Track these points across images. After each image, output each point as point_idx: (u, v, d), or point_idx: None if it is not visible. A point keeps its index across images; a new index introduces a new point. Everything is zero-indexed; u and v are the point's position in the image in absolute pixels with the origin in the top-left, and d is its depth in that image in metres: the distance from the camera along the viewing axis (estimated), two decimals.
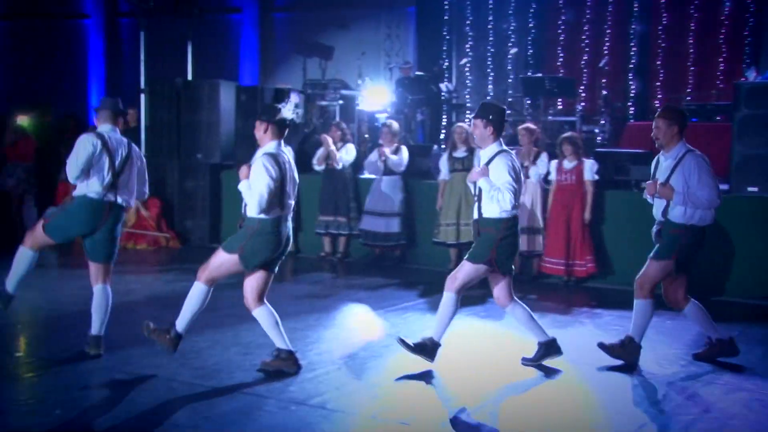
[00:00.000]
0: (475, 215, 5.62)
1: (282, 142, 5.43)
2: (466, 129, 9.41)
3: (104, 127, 5.81)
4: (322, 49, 15.25)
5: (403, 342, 5.64)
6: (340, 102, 12.99)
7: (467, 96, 14.71)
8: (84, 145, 5.61)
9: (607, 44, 13.90)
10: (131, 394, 4.80)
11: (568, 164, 8.76)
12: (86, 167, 5.60)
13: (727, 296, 8.24)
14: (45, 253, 10.20)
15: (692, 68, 13.37)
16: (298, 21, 17.05)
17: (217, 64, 16.20)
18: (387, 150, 9.70)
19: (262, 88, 11.46)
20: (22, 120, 12.08)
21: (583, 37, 14.12)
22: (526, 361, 5.71)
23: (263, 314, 5.41)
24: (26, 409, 4.56)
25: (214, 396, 4.84)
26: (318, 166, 10.11)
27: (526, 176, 8.89)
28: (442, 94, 12.58)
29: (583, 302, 8.12)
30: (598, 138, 11.44)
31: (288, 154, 5.50)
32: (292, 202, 5.42)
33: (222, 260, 5.33)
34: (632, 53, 13.72)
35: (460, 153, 9.27)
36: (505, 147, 5.68)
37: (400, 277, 9.05)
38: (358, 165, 10.34)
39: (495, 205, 5.44)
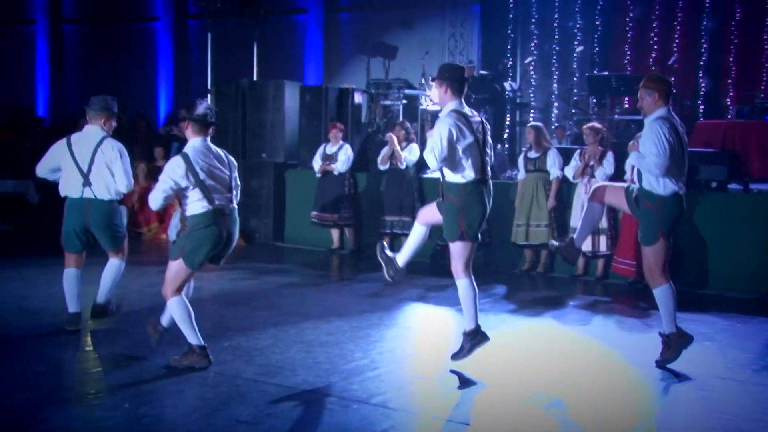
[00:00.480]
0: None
1: (204, 139, 5.41)
2: (534, 128, 9.34)
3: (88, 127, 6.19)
4: (386, 49, 15.30)
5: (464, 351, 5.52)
6: (404, 102, 12.98)
7: (531, 95, 14.55)
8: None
9: (677, 41, 13.58)
10: (196, 390, 4.87)
11: None
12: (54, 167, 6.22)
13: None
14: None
15: (766, 65, 12.97)
16: (362, 21, 17.13)
17: (282, 64, 16.39)
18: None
19: (327, 88, 11.52)
20: None
21: (652, 34, 13.82)
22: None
23: (178, 306, 5.34)
24: (96, 402, 4.67)
25: (276, 393, 4.88)
26: (382, 166, 10.13)
27: (592, 176, 8.75)
28: (506, 93, 12.46)
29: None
30: None
31: (213, 150, 5.45)
32: (228, 195, 5.37)
33: (173, 270, 5.36)
34: (703, 50, 13.38)
35: (533, 153, 9.18)
36: (461, 108, 5.39)
37: None
38: (421, 164, 10.32)
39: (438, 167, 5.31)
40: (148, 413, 4.47)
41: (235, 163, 5.65)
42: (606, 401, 5.03)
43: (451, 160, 5.27)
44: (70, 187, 6.20)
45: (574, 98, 12.64)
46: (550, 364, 5.76)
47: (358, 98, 12.46)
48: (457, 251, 5.41)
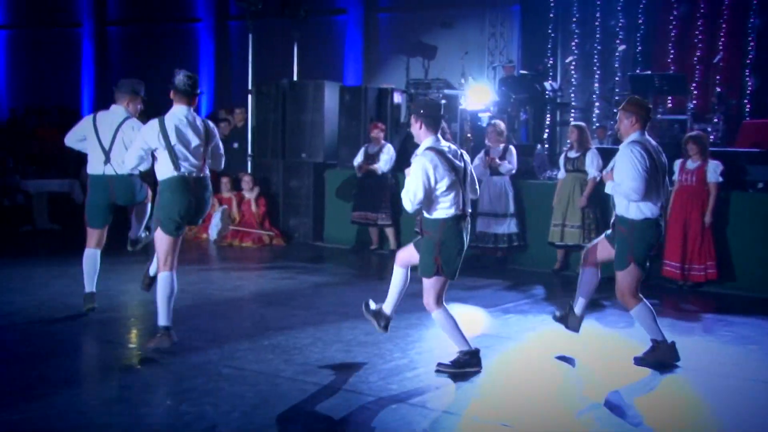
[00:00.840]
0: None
1: (186, 108, 5.64)
2: (577, 127, 9.27)
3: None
4: (426, 49, 15.28)
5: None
6: (443, 102, 12.96)
7: (572, 95, 14.41)
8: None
9: (722, 39, 13.32)
10: (236, 389, 4.92)
11: (692, 164, 8.46)
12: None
13: None
14: (153, 249, 10.63)
15: None
16: (402, 21, 17.12)
17: (322, 64, 16.45)
18: (496, 159, 9.55)
19: (366, 88, 11.55)
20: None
21: (697, 32, 13.60)
22: (440, 367, 5.40)
23: (163, 282, 5.64)
24: (138, 399, 4.74)
25: (315, 392, 4.90)
26: None
27: None
28: (547, 92, 12.38)
29: (703, 307, 7.86)
30: (711, 137, 11.00)
31: (190, 118, 5.62)
32: (198, 163, 5.57)
33: (158, 240, 5.70)
34: (750, 48, 13.11)
35: (573, 153, 9.12)
36: (437, 144, 5.25)
37: (502, 278, 8.95)
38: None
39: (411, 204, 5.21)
40: (188, 410, 4.53)
41: (215, 134, 5.86)
42: (649, 404, 4.97)
43: (428, 200, 5.21)
44: (93, 165, 6.53)
45: (616, 98, 12.46)
46: (591, 366, 5.71)
47: (397, 98, 12.46)
48: (431, 285, 5.36)
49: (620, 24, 14.20)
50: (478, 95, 12.53)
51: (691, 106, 11.51)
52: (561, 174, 9.24)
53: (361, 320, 6.63)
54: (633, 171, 5.41)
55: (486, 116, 12.37)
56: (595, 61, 14.50)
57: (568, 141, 9.44)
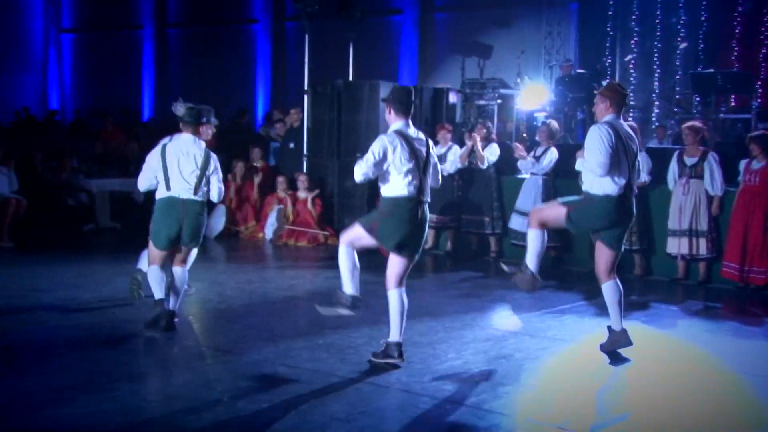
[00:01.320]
0: None
1: (191, 136, 6.30)
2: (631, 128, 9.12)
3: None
4: (481, 48, 15.21)
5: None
6: (498, 101, 12.87)
7: (631, 94, 14.16)
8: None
9: None
10: (292, 387, 4.96)
11: (756, 165, 8.26)
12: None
13: None
14: (211, 247, 10.81)
15: None
16: (457, 20, 17.07)
17: (378, 64, 16.50)
18: (523, 152, 9.58)
19: (421, 88, 11.54)
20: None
21: (762, 29, 13.24)
22: (373, 357, 5.50)
23: (151, 274, 6.25)
24: (196, 396, 4.81)
25: (370, 391, 4.92)
26: (460, 164, 10.05)
27: (690, 177, 8.48)
28: None
29: (765, 311, 7.67)
30: None
31: (191, 146, 6.26)
32: (188, 186, 6.17)
33: (149, 247, 6.38)
34: None
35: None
36: (405, 129, 5.45)
37: (557, 279, 8.85)
38: (501, 164, 10.21)
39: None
40: (245, 408, 4.59)
41: (214, 163, 6.35)
42: (708, 408, 4.87)
43: (383, 177, 5.42)
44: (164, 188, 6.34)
45: (677, 96, 12.24)
46: (648, 368, 5.61)
47: (452, 98, 12.42)
48: (390, 263, 5.61)
49: (682, 21, 13.92)
50: (534, 95, 12.42)
51: (756, 104, 11.20)
52: None
53: (416, 320, 6.65)
54: (599, 146, 5.59)
55: (542, 116, 12.26)
56: (655, 59, 14.24)
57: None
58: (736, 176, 8.73)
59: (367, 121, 11.62)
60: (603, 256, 5.85)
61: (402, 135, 5.42)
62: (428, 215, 5.60)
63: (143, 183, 6.33)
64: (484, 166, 9.93)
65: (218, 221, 11.56)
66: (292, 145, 12.23)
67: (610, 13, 14.56)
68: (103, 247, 11.03)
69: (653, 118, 14.03)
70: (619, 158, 5.63)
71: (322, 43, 14.44)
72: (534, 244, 5.96)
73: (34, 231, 11.10)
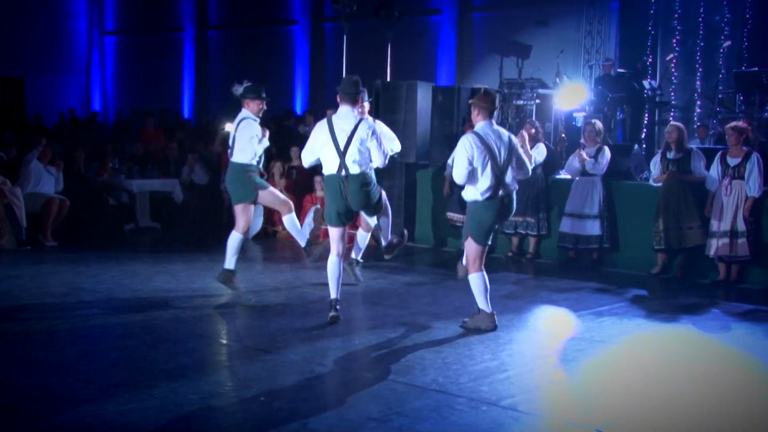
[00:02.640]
0: None
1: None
2: (678, 128, 9.00)
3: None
4: (520, 48, 15.13)
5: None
6: (537, 101, 12.80)
7: (672, 93, 13.99)
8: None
9: None
10: (327, 386, 5.00)
11: None
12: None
13: None
14: (249, 248, 10.90)
15: None
16: (496, 20, 17.02)
17: (415, 64, 16.51)
18: (584, 153, 9.43)
19: (459, 88, 11.50)
20: (230, 127, 12.82)
21: None
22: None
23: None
24: (234, 395, 4.87)
25: (406, 392, 4.93)
26: None
27: (734, 177, 8.34)
28: (645, 91, 12.06)
29: None
30: None
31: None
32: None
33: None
34: None
35: (672, 155, 8.85)
36: (336, 113, 6.67)
37: (596, 280, 8.77)
38: (549, 165, 10.13)
39: None
40: (282, 407, 4.63)
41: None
42: (747, 413, 4.79)
43: (319, 160, 6.67)
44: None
45: (720, 96, 12.04)
46: (687, 371, 5.54)
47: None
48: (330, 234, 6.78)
49: (726, 19, 13.69)
50: (573, 94, 12.32)
51: None
52: (655, 176, 8.97)
53: (453, 320, 6.65)
54: (458, 159, 6.22)
55: (581, 116, 12.15)
56: (698, 58, 14.03)
57: (667, 141, 9.11)
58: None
59: (405, 121, 11.60)
60: (473, 251, 6.41)
61: (330, 119, 6.70)
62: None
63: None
64: (531, 167, 9.84)
65: (256, 221, 11.66)
66: None
67: (651, 11, 14.39)
68: (143, 246, 11.20)
69: (695, 118, 13.82)
70: (484, 164, 6.16)
71: (360, 43, 14.49)
72: (477, 287, 6.40)
73: (77, 230, 11.31)
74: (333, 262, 6.61)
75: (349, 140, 6.48)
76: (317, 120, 12.97)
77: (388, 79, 12.74)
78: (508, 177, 6.32)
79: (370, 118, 6.84)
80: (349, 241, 11.02)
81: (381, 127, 6.94)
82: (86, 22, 23.36)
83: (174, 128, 16.49)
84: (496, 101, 6.45)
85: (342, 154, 6.48)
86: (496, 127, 6.37)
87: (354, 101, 6.67)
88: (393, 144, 7.07)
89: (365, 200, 6.66)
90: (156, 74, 21.63)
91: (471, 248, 6.40)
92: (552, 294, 8.04)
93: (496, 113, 6.48)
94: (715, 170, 8.56)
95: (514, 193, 6.48)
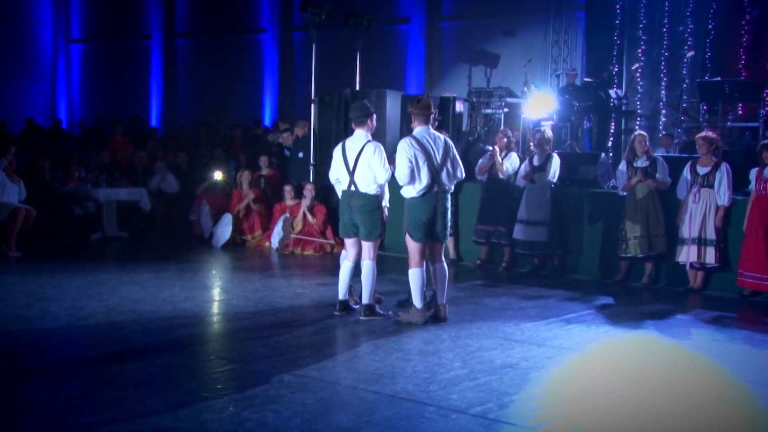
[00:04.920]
0: None
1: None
2: (645, 137, 9.11)
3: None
4: (488, 57, 15.24)
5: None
6: (505, 110, 12.89)
7: (638, 102, 14.17)
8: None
9: None
10: (298, 396, 4.97)
11: None
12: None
13: None
14: (218, 257, 10.84)
15: None
16: (464, 29, 17.12)
17: (385, 73, 16.56)
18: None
19: (428, 97, 11.53)
20: (219, 176, 12.73)
21: None
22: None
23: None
24: (202, 405, 4.81)
25: (376, 401, 4.92)
26: (480, 176, 10.03)
27: (702, 185, 8.46)
28: (612, 100, 12.20)
29: (762, 318, 7.65)
30: None
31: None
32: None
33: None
34: None
35: (640, 162, 8.96)
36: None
37: (564, 288, 8.84)
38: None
39: None
40: (251, 417, 4.59)
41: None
42: (717, 419, 4.85)
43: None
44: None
45: (684, 105, 12.23)
46: (656, 377, 5.59)
47: (459, 107, 12.43)
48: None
49: (689, 29, 13.91)
50: (541, 104, 12.42)
51: (764, 113, 11.16)
52: (622, 184, 9.06)
53: (422, 329, 6.66)
54: (399, 160, 6.75)
55: (548, 124, 12.26)
56: (662, 67, 14.24)
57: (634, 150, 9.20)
58: (744, 185, 8.71)
59: (375, 130, 11.59)
60: (412, 246, 6.85)
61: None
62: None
63: None
64: (504, 177, 9.91)
65: (225, 230, 11.60)
66: (300, 155, 12.26)
67: (617, 21, 14.58)
68: (110, 256, 11.07)
69: (660, 127, 14.01)
70: (419, 166, 6.69)
71: (329, 52, 14.50)
72: (414, 283, 6.82)
73: (42, 240, 11.15)
74: (366, 266, 7.04)
75: (356, 161, 7.02)
76: (291, 127, 13.12)
77: (357, 88, 12.75)
78: (443, 177, 6.83)
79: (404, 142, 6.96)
80: (320, 249, 11.06)
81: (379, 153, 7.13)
82: (52, 29, 23.09)
83: (142, 137, 16.34)
84: (432, 107, 7.00)
85: (351, 173, 7.01)
86: (432, 131, 6.92)
87: (363, 123, 7.17)
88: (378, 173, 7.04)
89: (362, 217, 7.01)
90: (123, 82, 21.44)
91: (410, 245, 6.86)
92: (520, 302, 8.08)
93: (432, 117, 7.00)
94: (684, 179, 8.68)
95: (449, 193, 6.96)
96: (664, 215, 8.84)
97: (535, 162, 9.58)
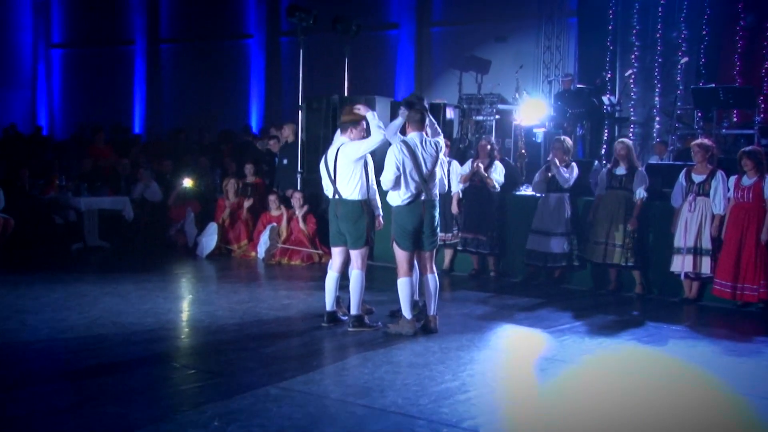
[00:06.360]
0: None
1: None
2: (627, 145, 9.12)
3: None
4: (479, 63, 15.26)
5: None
6: (497, 117, 12.92)
7: (631, 109, 14.25)
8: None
9: None
10: (285, 410, 4.94)
11: (747, 181, 8.26)
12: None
13: None
14: (203, 267, 10.80)
15: None
16: (455, 35, 17.18)
17: (374, 79, 16.58)
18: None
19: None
20: (188, 183, 12.73)
21: (765, 43, 13.34)
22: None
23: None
24: (186, 419, 4.78)
25: (365, 415, 4.90)
26: (462, 184, 10.00)
27: (698, 194, 8.49)
28: (605, 107, 12.25)
29: (756, 329, 7.68)
30: None
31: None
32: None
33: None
34: None
35: (620, 170, 8.99)
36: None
37: (557, 298, 8.85)
38: (509, 181, 10.19)
39: None
40: None
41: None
42: (709, 429, 4.86)
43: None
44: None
45: (678, 112, 12.29)
46: (651, 390, 5.60)
47: (449, 113, 12.46)
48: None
49: (683, 35, 14.02)
50: (533, 110, 12.46)
51: (758, 120, 11.25)
52: (600, 190, 9.13)
53: (412, 341, 6.64)
54: (387, 164, 6.74)
55: (541, 132, 12.29)
56: (656, 74, 14.33)
57: (614, 157, 9.24)
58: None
59: (363, 137, 11.60)
60: (400, 255, 6.84)
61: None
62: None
63: None
64: (498, 190, 9.90)
65: (210, 240, 11.56)
66: (286, 162, 12.22)
67: (609, 27, 14.67)
68: (92, 266, 11.00)
69: (654, 134, 14.09)
70: (409, 171, 6.70)
71: (317, 58, 14.51)
72: (403, 292, 6.79)
73: (21, 250, 11.08)
74: (354, 276, 7.00)
75: (335, 166, 6.98)
76: (277, 133, 13.11)
77: (346, 94, 12.75)
78: (431, 185, 6.87)
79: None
80: (307, 259, 11.03)
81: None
82: (32, 34, 23.02)
83: (125, 144, 16.30)
84: (425, 113, 6.97)
85: (333, 181, 7.01)
86: (426, 137, 6.90)
87: (345, 130, 7.13)
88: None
89: (347, 225, 6.99)
90: (106, 89, 21.38)
91: (398, 253, 6.88)
92: (513, 312, 8.08)
93: (427, 123, 6.97)
94: (679, 186, 8.70)
95: (437, 200, 6.97)
96: (625, 227, 8.86)
97: (482, 169, 9.68)
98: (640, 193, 8.87)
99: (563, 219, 9.38)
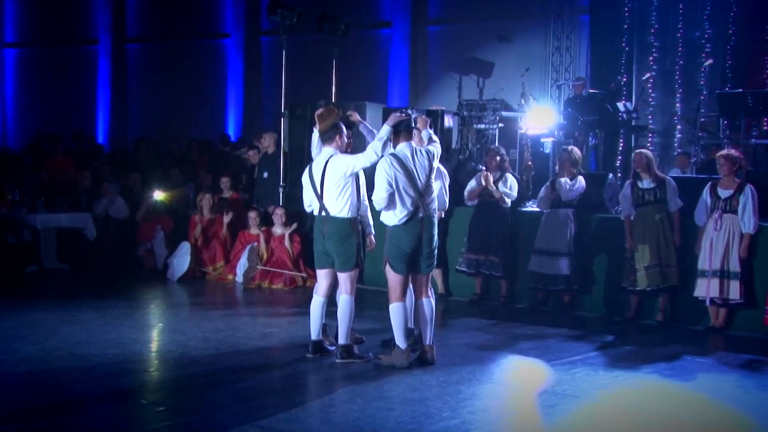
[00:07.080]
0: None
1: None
2: (647, 155, 9.15)
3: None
4: (480, 66, 15.36)
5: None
6: (500, 125, 12.97)
7: (649, 117, 14.30)
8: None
9: None
10: None
11: None
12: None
13: None
14: (174, 292, 10.79)
15: None
16: (453, 34, 17.24)
17: (364, 83, 16.63)
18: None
19: (413, 110, 11.59)
20: (159, 196, 12.76)
21: None
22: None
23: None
24: None
25: None
26: (469, 202, 10.03)
27: (725, 210, 8.50)
28: (620, 114, 12.31)
29: None
30: None
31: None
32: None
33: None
34: None
35: (646, 183, 9.01)
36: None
37: (568, 326, 8.87)
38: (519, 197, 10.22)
39: None
40: None
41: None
42: None
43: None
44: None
45: (702, 120, 12.37)
46: (668, 428, 5.61)
47: (448, 121, 12.50)
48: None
49: (707, 35, 14.08)
50: (540, 118, 12.52)
51: None
52: (628, 210, 9.11)
53: (407, 374, 6.64)
54: (378, 182, 6.79)
55: (549, 141, 12.34)
56: (677, 77, 14.39)
57: (634, 170, 9.27)
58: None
59: (354, 147, 11.61)
60: (393, 278, 6.87)
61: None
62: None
63: None
64: (508, 205, 9.91)
65: (182, 261, 11.55)
66: (266, 175, 12.21)
67: (625, 26, 14.73)
68: (49, 291, 10.97)
69: (675, 144, 14.14)
70: (403, 187, 6.75)
71: (301, 59, 14.56)
72: (396, 319, 6.82)
73: None
74: (343, 301, 7.01)
75: (322, 181, 7.00)
76: (256, 143, 13.13)
77: (333, 100, 12.79)
78: (428, 200, 6.89)
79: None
80: (290, 282, 11.02)
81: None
82: None
83: (86, 155, 16.28)
84: (412, 121, 7.06)
85: (320, 197, 7.01)
86: (416, 147, 6.95)
87: (330, 140, 7.22)
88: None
89: (335, 246, 6.99)
90: (65, 93, 21.36)
91: (390, 277, 6.89)
92: (519, 342, 8.09)
93: (422, 132, 7.12)
94: (703, 203, 8.70)
95: (435, 217, 7.03)
96: (674, 243, 8.89)
97: (490, 180, 9.69)
98: (677, 203, 8.88)
99: (565, 237, 9.40)
